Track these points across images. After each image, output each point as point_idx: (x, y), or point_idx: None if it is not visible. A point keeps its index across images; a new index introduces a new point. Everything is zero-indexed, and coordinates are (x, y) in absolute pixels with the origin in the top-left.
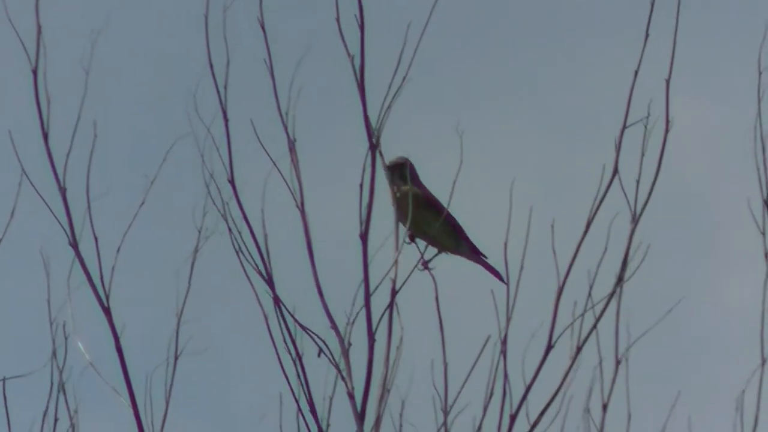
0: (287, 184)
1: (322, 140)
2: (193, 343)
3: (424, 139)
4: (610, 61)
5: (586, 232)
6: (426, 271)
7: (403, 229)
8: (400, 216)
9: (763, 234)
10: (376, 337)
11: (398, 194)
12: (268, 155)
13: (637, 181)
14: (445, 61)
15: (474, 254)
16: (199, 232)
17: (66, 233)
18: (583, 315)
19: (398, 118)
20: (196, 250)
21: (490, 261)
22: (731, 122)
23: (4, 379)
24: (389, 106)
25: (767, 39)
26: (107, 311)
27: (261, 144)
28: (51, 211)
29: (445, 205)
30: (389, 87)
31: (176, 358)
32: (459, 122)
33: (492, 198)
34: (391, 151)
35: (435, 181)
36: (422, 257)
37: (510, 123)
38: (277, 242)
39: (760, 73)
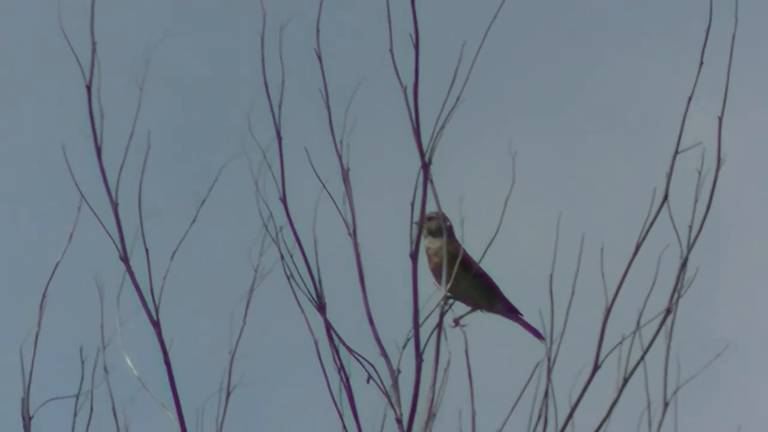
0: (340, 212)
1: (374, 163)
2: (245, 375)
3: (476, 159)
4: (665, 85)
5: (635, 255)
6: (458, 328)
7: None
8: (434, 273)
9: None
10: (424, 357)
11: (429, 248)
12: (321, 182)
13: (690, 227)
14: (499, 81)
15: (510, 312)
16: (255, 271)
17: (117, 248)
18: (633, 334)
19: (451, 138)
20: (251, 290)
21: (527, 315)
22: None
23: (61, 398)
24: (442, 125)
25: None
26: (156, 324)
27: (314, 170)
28: (103, 225)
29: (479, 264)
30: (443, 106)
31: (228, 394)
32: (511, 143)
33: (541, 219)
34: (442, 171)
35: (486, 203)
36: (453, 315)
37: (562, 143)
38: (328, 267)
39: None
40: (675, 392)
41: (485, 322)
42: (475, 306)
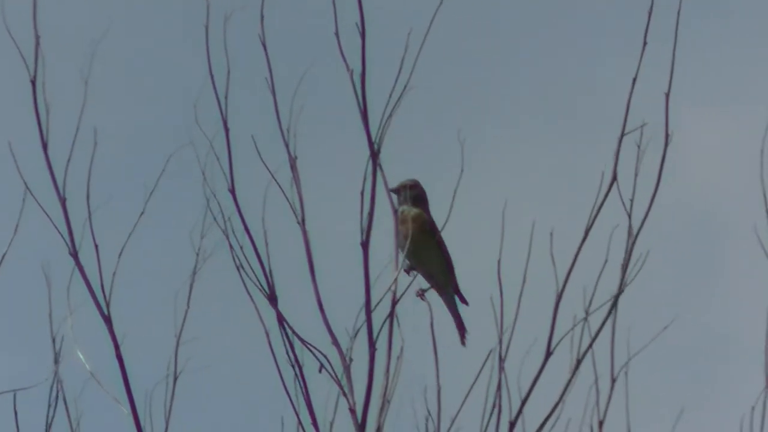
0: (288, 200)
1: (323, 151)
2: (193, 361)
3: (425, 147)
4: (614, 66)
5: (584, 239)
6: (422, 300)
7: (402, 242)
8: (401, 239)
9: None
10: (377, 346)
11: (404, 214)
12: (270, 172)
13: (631, 200)
14: (446, 69)
15: (456, 295)
16: (197, 254)
17: (66, 243)
18: (585, 319)
19: (399, 126)
20: (194, 272)
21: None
22: (742, 131)
23: (12, 391)
24: (390, 114)
25: None
26: (107, 319)
27: (262, 159)
28: (51, 220)
29: (442, 236)
30: (390, 95)
31: (176, 378)
32: (460, 130)
33: (492, 206)
34: (391, 160)
35: (436, 190)
36: (419, 287)
37: (511, 130)
38: (278, 257)
39: None
40: (622, 368)
41: (436, 310)
42: (432, 281)
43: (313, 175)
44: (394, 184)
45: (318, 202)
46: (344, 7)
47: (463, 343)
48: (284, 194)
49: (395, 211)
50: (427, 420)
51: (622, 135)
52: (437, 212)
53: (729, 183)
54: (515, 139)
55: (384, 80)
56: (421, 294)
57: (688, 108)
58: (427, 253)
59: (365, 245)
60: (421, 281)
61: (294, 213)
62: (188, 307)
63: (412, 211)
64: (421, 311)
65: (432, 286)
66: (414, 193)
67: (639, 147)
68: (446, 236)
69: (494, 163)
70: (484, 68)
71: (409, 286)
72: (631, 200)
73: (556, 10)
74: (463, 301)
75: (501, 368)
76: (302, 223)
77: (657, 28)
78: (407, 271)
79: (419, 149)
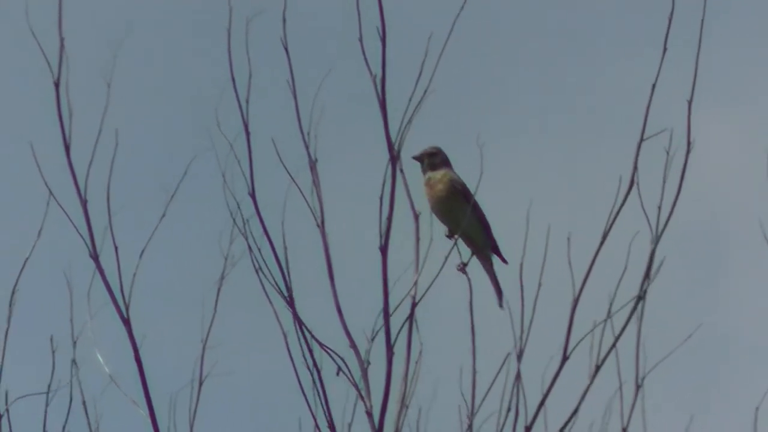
0: (308, 203)
1: (343, 154)
2: (218, 364)
3: (445, 151)
4: (638, 71)
5: (601, 244)
6: (463, 274)
7: (424, 244)
8: (434, 203)
9: None
10: (395, 350)
11: (431, 180)
12: (290, 174)
13: (659, 207)
14: (466, 72)
15: (495, 253)
16: (225, 259)
17: (87, 245)
18: (604, 322)
19: (419, 131)
20: (222, 278)
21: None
22: (754, 132)
23: (32, 395)
24: (410, 119)
25: None
26: (127, 322)
27: (282, 162)
28: (72, 222)
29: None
30: (410, 99)
31: (201, 384)
32: (479, 135)
33: (512, 210)
34: (410, 164)
35: None
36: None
37: (531, 133)
38: (297, 260)
39: None
40: (645, 375)
41: (455, 313)
42: (474, 246)
43: (333, 178)
44: (415, 153)
45: (337, 205)
46: (365, 10)
47: (500, 305)
48: (304, 197)
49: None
50: (459, 407)
51: (641, 141)
52: None
53: (738, 184)
54: (535, 142)
55: (404, 84)
56: (462, 268)
57: (701, 110)
58: (461, 213)
59: (384, 250)
60: (461, 249)
61: (314, 216)
62: (215, 312)
63: (438, 174)
64: (439, 316)
65: (472, 251)
66: (437, 160)
67: (667, 153)
68: None
69: (514, 167)
70: (504, 71)
71: (428, 288)
72: (659, 208)
73: (578, 12)
74: (503, 260)
75: (518, 373)
76: (322, 225)
77: (675, 31)
78: (448, 236)
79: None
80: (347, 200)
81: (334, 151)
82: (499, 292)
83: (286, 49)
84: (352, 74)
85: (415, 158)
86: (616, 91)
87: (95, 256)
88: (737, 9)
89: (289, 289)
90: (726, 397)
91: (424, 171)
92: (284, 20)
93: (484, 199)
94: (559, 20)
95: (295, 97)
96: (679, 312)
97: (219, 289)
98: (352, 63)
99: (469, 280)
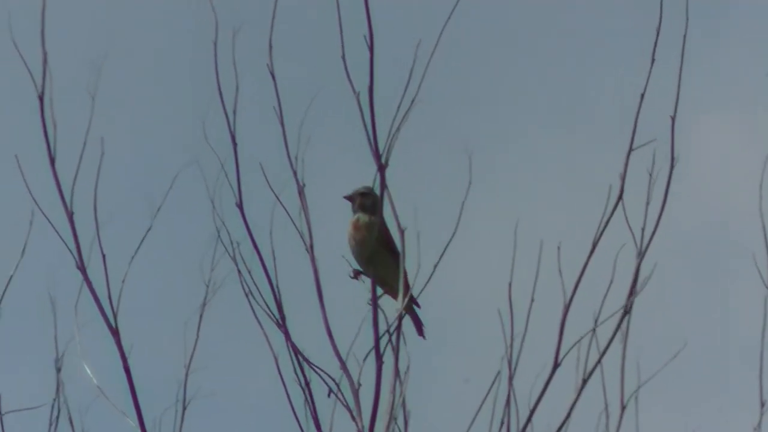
0: (297, 228)
1: (328, 171)
2: (202, 387)
3: (432, 161)
4: (625, 77)
5: (591, 253)
6: (356, 279)
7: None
8: (356, 246)
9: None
10: (384, 360)
11: (358, 222)
12: (278, 199)
13: (642, 229)
14: (454, 80)
15: (410, 302)
16: (207, 286)
17: (74, 256)
18: (592, 331)
19: (406, 140)
20: (204, 304)
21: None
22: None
23: (18, 411)
24: (398, 128)
25: None
26: (115, 332)
27: (270, 187)
28: (58, 234)
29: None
30: (398, 107)
31: (185, 407)
32: (468, 143)
33: (500, 219)
34: (398, 175)
35: (443, 203)
36: (373, 295)
37: (520, 143)
38: (284, 278)
39: None
40: (632, 395)
41: (445, 326)
42: (386, 288)
43: (318, 193)
44: (347, 192)
45: (323, 220)
46: (351, 21)
47: (423, 337)
48: (293, 222)
49: (402, 233)
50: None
51: (630, 151)
52: (445, 224)
53: (737, 190)
54: (523, 151)
55: (391, 94)
56: (357, 274)
57: (697, 115)
58: (382, 259)
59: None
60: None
61: (303, 240)
62: (197, 338)
63: (364, 218)
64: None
65: (385, 292)
66: (368, 202)
67: (650, 174)
68: (453, 249)
69: (502, 176)
70: (493, 80)
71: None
72: (642, 229)
73: (569, 20)
74: (416, 304)
75: (510, 384)
76: (311, 250)
77: (668, 32)
78: (355, 276)
79: (426, 162)
80: (333, 214)
81: (319, 168)
82: (418, 325)
83: (273, 75)
84: (339, 89)
85: (347, 198)
86: (609, 100)
87: (82, 267)
88: (750, 12)
89: (281, 312)
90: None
91: (354, 210)
92: (270, 46)
93: (473, 209)
94: (549, 28)
95: (282, 125)
96: (681, 319)
97: (201, 315)
98: (339, 76)
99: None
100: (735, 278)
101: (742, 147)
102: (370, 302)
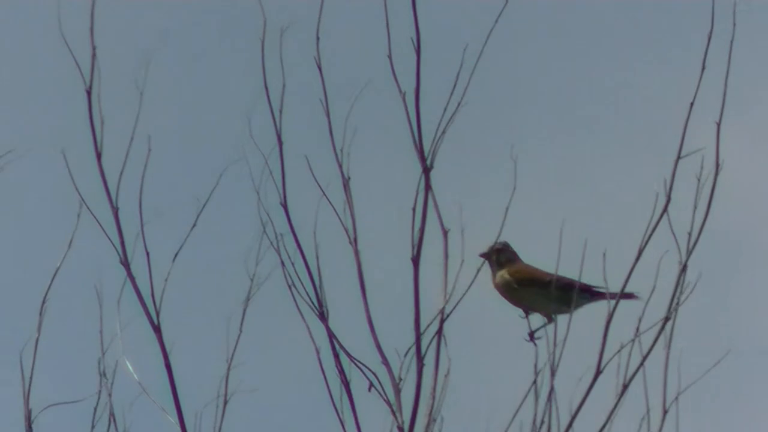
0: (341, 221)
1: (374, 167)
2: (243, 382)
3: (477, 164)
4: (668, 89)
5: (637, 259)
6: (531, 342)
7: (454, 261)
8: (504, 300)
9: None
10: (425, 362)
11: (496, 279)
12: (322, 191)
13: (689, 234)
14: (500, 83)
15: (594, 296)
16: (252, 280)
17: (118, 252)
18: (632, 341)
19: (452, 142)
20: (247, 299)
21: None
22: None
23: (60, 404)
24: (444, 130)
25: None
26: (157, 329)
27: (315, 178)
28: (103, 229)
29: (550, 272)
30: (444, 110)
31: (225, 402)
32: (513, 147)
33: (544, 224)
34: (443, 176)
35: (487, 207)
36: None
37: (566, 147)
38: (327, 273)
39: None
40: (674, 400)
41: (486, 328)
42: (554, 314)
43: (364, 190)
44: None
45: (369, 218)
46: (398, 22)
47: (638, 297)
48: (337, 215)
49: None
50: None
51: (677, 159)
52: (489, 230)
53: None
54: (569, 155)
55: (438, 96)
56: (532, 336)
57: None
58: (530, 298)
59: (416, 261)
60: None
61: (347, 233)
62: (240, 332)
63: (501, 276)
64: (469, 330)
65: (550, 321)
66: (503, 258)
67: (699, 180)
68: None
69: (547, 180)
70: (538, 84)
71: (459, 302)
72: (689, 234)
73: (615, 24)
74: (599, 292)
75: (551, 388)
76: (354, 243)
77: (719, 47)
78: (525, 315)
79: (471, 166)
80: (379, 212)
81: (365, 163)
82: (626, 296)
83: (320, 68)
84: (386, 86)
85: (482, 255)
86: (654, 105)
87: (126, 263)
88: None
89: (321, 304)
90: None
91: (492, 268)
92: (317, 38)
93: (517, 214)
94: (595, 33)
95: (328, 117)
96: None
97: (245, 310)
98: (386, 75)
99: (536, 345)
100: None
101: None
102: (528, 338)
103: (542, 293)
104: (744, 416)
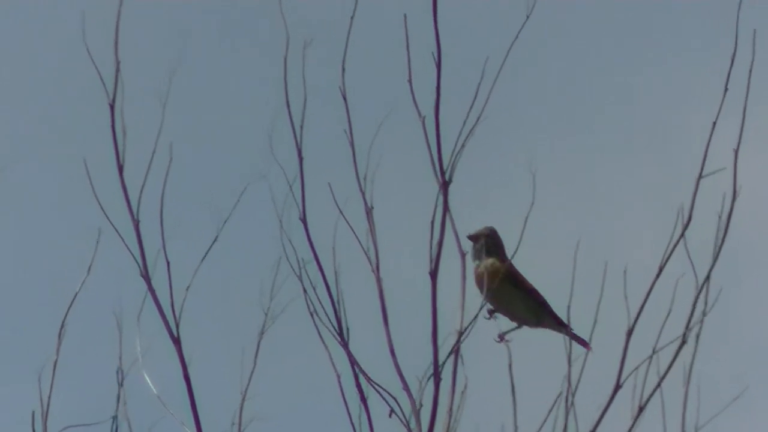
0: (364, 249)
1: (393, 186)
2: (259, 411)
3: (496, 177)
4: (690, 107)
5: (657, 277)
6: (502, 343)
7: (469, 271)
8: (481, 290)
9: None
10: (442, 377)
11: (480, 268)
12: (345, 219)
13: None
14: (520, 100)
15: (558, 325)
16: (266, 314)
17: (138, 264)
18: (649, 359)
19: (471, 156)
20: (262, 332)
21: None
22: None
23: (79, 426)
24: (463, 145)
25: None
26: (177, 341)
27: (339, 208)
28: (124, 241)
29: (529, 281)
30: (463, 124)
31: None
32: (532, 160)
33: (563, 238)
34: (461, 190)
35: (506, 220)
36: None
37: (585, 161)
38: (346, 296)
39: None
40: None
41: (501, 347)
42: (522, 322)
43: (384, 209)
44: (470, 230)
45: (388, 237)
46: (418, 39)
47: (588, 347)
48: (360, 243)
49: (463, 255)
50: None
51: (699, 177)
52: (507, 243)
53: None
54: (588, 169)
55: (457, 112)
56: (502, 337)
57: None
58: (509, 297)
59: (434, 275)
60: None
61: (369, 261)
62: (255, 365)
63: (486, 264)
64: (488, 348)
65: (522, 325)
66: (491, 242)
67: (719, 217)
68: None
69: (566, 195)
70: (558, 99)
71: (473, 320)
72: (711, 269)
73: (636, 37)
74: (566, 325)
75: (568, 405)
76: (377, 270)
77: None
78: (489, 315)
79: (489, 180)
80: (397, 229)
81: (385, 185)
82: (579, 340)
83: (345, 97)
84: (406, 109)
85: (470, 237)
86: (679, 121)
87: (146, 276)
88: None
89: (343, 331)
90: None
91: (475, 251)
92: (343, 69)
93: (534, 228)
94: (616, 47)
95: (352, 147)
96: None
97: (259, 343)
98: (407, 96)
99: (509, 349)
100: None
101: None
102: (498, 338)
103: (525, 299)
104: None
